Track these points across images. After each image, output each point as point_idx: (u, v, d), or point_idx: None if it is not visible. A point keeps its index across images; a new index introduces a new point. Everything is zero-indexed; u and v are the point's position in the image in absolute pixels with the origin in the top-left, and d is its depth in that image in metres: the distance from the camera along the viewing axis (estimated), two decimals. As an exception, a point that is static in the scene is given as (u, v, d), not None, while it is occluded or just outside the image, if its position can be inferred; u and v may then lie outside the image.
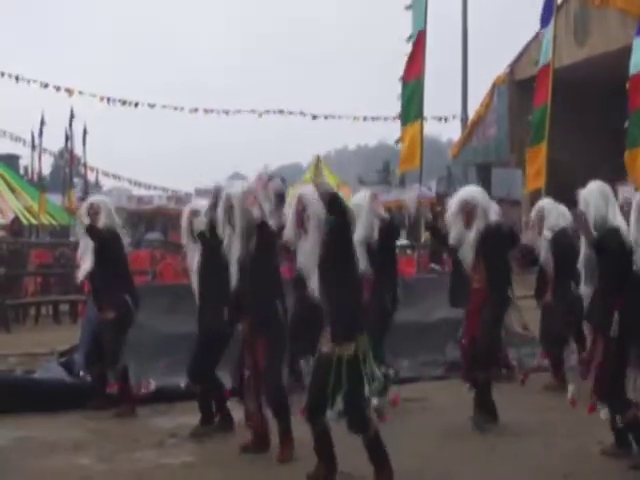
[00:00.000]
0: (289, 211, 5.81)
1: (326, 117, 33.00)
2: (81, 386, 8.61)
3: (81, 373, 8.55)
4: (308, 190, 5.71)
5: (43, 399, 8.05)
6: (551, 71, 16.63)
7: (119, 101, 30.43)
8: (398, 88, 16.55)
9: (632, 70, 16.77)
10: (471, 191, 7.43)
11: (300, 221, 5.65)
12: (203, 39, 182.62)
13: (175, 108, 31.51)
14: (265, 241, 6.37)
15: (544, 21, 17.06)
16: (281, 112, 33.01)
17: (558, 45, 18.32)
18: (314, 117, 32.63)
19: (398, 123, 17.86)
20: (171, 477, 6.06)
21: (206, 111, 31.77)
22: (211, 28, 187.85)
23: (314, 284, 5.54)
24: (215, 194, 6.64)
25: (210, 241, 6.88)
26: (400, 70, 16.25)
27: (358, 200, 7.92)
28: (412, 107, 16.30)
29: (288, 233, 5.77)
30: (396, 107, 17.12)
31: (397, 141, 17.64)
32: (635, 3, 20.54)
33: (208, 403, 7.23)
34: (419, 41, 16.04)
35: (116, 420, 7.75)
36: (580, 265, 6.83)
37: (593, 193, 6.19)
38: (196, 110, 31.61)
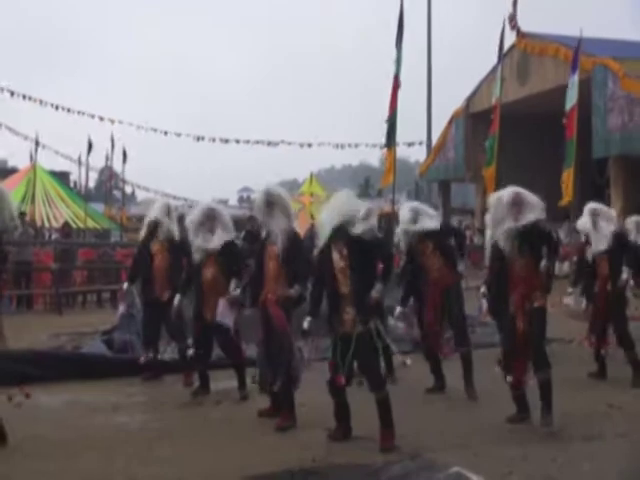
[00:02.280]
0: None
1: (319, 144, 33.51)
2: (118, 359, 8.62)
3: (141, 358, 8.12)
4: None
5: (88, 370, 8.05)
6: (499, 106, 16.73)
7: (151, 129, 30.59)
8: (375, 119, 16.81)
9: (567, 106, 16.87)
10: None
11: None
12: (216, 81, 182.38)
13: (197, 138, 31.70)
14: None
15: (498, 61, 17.25)
16: (283, 142, 33.36)
17: (505, 84, 18.40)
18: (309, 145, 33.00)
19: (375, 148, 18.19)
20: (193, 430, 6.05)
21: (222, 140, 32.03)
22: (220, 73, 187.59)
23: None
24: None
25: None
26: (377, 105, 16.47)
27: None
28: (388, 137, 16.44)
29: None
30: (373, 134, 17.37)
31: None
32: (563, 51, 20.70)
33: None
34: (394, 83, 16.18)
35: (146, 386, 7.74)
36: None
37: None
38: (214, 140, 31.84)
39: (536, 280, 6.05)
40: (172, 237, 8.04)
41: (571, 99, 16.77)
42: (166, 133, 31.12)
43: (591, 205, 8.13)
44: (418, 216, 7.52)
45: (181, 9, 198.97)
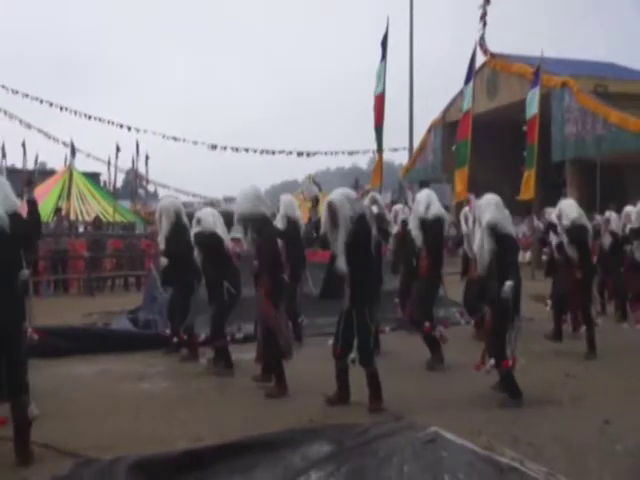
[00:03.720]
0: (324, 212, 5.63)
1: (315, 153, 33.41)
2: (142, 334, 8.61)
3: (166, 331, 8.00)
4: (336, 196, 5.52)
5: (116, 343, 8.03)
6: (471, 116, 16.70)
7: (171, 137, 30.66)
8: (364, 127, 16.86)
9: (528, 115, 16.90)
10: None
11: (333, 220, 5.47)
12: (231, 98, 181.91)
13: (212, 146, 31.67)
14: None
15: (467, 80, 17.16)
16: (283, 152, 33.27)
17: (476, 98, 18.39)
18: (308, 154, 32.99)
19: (364, 154, 18.27)
20: (206, 397, 6.07)
21: (232, 149, 32.04)
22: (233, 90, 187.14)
23: (341, 263, 5.43)
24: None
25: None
26: (366, 115, 16.47)
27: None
28: (377, 144, 16.47)
29: (325, 227, 5.62)
30: (362, 141, 17.39)
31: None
32: (527, 69, 20.69)
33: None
34: (380, 100, 16.15)
35: (167, 358, 7.72)
36: None
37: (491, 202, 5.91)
38: (225, 148, 31.83)
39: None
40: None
41: (532, 110, 16.82)
42: (184, 140, 31.21)
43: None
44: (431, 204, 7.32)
45: (207, 47, 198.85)
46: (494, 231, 5.71)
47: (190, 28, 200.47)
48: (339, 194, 5.57)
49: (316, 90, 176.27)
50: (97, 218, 20.12)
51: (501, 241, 5.73)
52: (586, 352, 7.72)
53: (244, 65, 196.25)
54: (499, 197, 6.00)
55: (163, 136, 30.29)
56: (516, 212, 20.82)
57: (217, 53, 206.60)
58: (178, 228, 7.53)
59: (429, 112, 30.04)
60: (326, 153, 34.16)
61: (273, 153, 33.10)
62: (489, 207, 5.83)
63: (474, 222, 6.45)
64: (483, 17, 23.18)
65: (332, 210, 5.47)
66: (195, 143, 31.57)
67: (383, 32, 16.09)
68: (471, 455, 4.25)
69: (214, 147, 31.59)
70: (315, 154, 33.40)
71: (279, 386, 6.02)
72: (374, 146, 16.91)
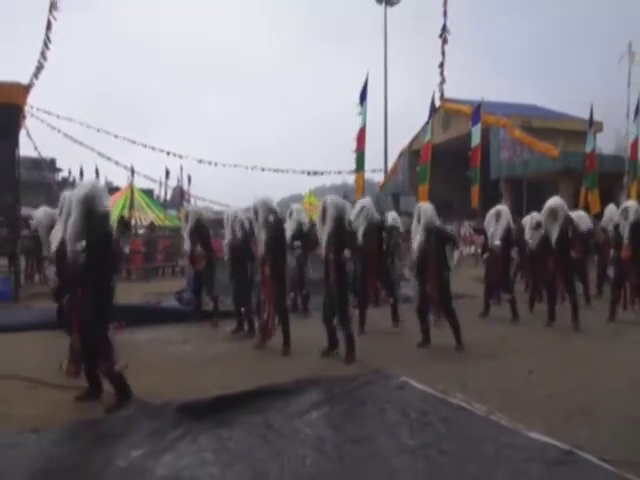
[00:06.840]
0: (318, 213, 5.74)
1: (315, 173, 33.14)
2: (185, 310, 8.56)
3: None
4: (328, 200, 5.66)
5: (165, 317, 7.98)
6: (431, 146, 16.71)
7: (206, 162, 30.60)
8: (350, 155, 16.80)
9: (472, 145, 16.92)
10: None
11: (323, 217, 5.59)
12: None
13: (235, 165, 31.64)
14: None
15: (428, 117, 17.18)
16: (290, 170, 33.08)
17: (434, 132, 18.38)
18: (308, 173, 32.82)
19: (352, 175, 18.22)
20: (232, 356, 6.02)
21: (251, 167, 31.98)
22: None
23: (324, 250, 5.54)
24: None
25: None
26: (350, 145, 16.43)
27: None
28: (359, 165, 16.44)
29: (317, 224, 5.71)
30: (348, 164, 17.17)
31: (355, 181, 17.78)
32: (468, 109, 20.70)
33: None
34: (362, 132, 16.11)
35: (203, 328, 7.64)
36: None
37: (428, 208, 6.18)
38: (246, 167, 31.75)
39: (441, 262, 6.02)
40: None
41: (475, 140, 16.89)
42: (216, 164, 31.19)
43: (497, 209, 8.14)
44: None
45: (232, 90, 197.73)
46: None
47: (218, 78, 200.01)
48: (330, 199, 5.74)
49: (315, 121, 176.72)
50: (152, 223, 20.08)
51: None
52: (511, 317, 7.78)
53: (261, 104, 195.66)
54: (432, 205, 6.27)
55: (200, 160, 30.30)
56: (466, 216, 20.74)
57: (241, 95, 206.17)
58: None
59: (399, 141, 29.95)
60: (322, 173, 33.96)
61: (283, 171, 33.03)
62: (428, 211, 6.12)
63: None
64: (441, 73, 23.20)
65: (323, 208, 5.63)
66: (224, 165, 31.57)
67: (364, 79, 16.05)
68: (431, 397, 4.26)
69: (238, 166, 31.72)
70: (316, 173, 33.28)
71: (289, 346, 5.98)
72: (355, 167, 16.90)
